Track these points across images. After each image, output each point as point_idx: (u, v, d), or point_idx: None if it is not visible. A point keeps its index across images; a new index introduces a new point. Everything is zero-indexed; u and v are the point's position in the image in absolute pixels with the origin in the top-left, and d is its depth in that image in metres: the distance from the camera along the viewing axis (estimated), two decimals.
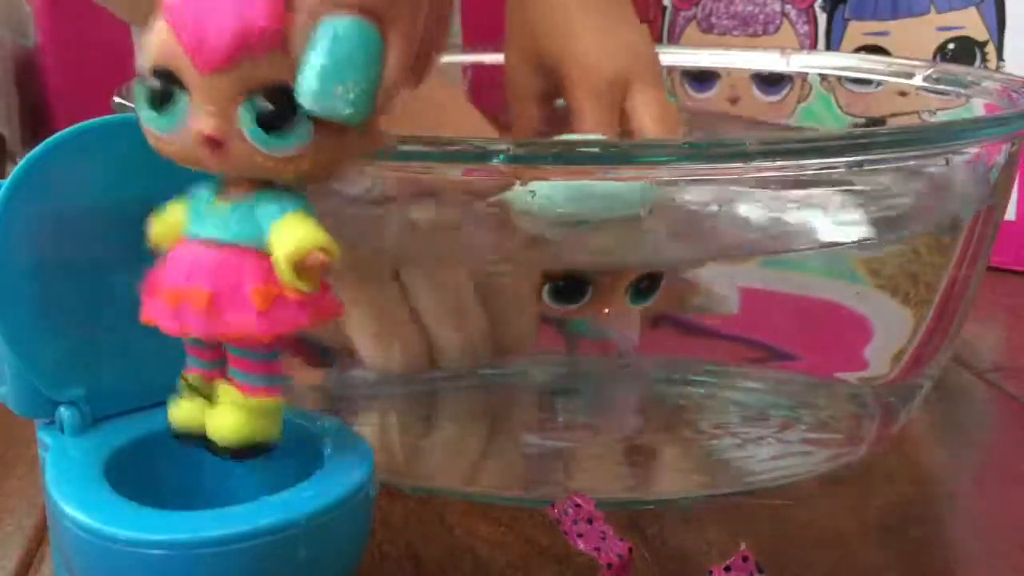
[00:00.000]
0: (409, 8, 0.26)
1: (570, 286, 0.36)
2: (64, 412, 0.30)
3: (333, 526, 0.27)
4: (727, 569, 0.28)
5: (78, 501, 0.27)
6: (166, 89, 0.26)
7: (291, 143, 0.26)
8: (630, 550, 0.29)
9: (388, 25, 0.26)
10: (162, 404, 0.31)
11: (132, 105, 0.38)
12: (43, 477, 0.32)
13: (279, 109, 0.25)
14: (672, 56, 0.62)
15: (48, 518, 0.30)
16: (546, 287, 0.36)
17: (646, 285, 0.37)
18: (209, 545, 0.26)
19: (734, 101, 0.60)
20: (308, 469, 0.29)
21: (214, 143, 0.26)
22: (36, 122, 0.70)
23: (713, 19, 0.72)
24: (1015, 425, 0.46)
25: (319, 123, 0.25)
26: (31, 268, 0.29)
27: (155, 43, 0.26)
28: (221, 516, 0.27)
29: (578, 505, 0.31)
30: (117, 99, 0.39)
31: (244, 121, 0.26)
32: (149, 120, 0.27)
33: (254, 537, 0.26)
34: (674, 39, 0.74)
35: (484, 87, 0.61)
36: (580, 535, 0.30)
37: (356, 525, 0.28)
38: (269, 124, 0.25)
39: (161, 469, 0.31)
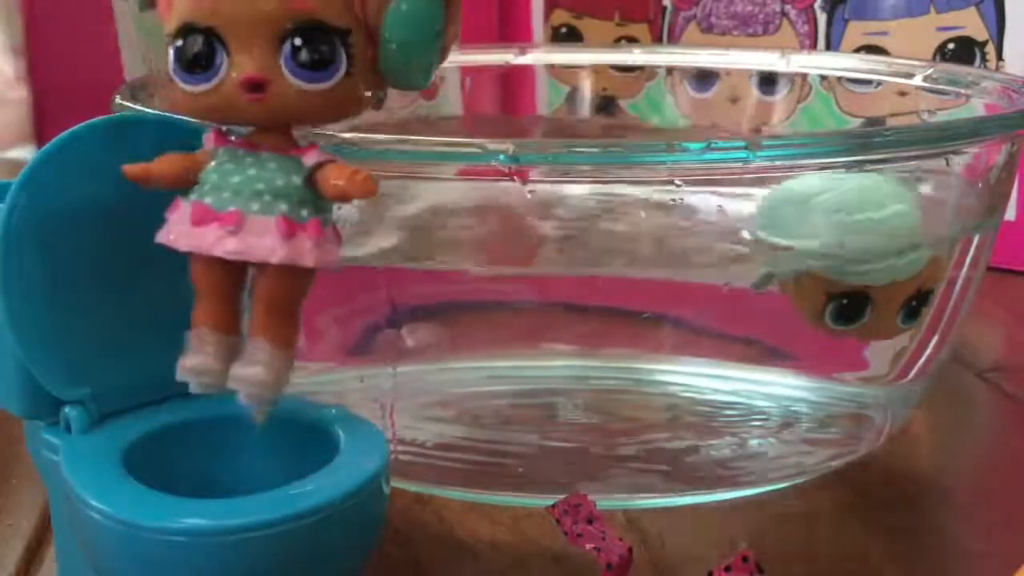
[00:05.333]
0: None
1: (853, 303, 0.35)
2: (71, 412, 0.30)
3: (355, 512, 0.28)
4: (727, 569, 0.28)
5: (104, 492, 0.28)
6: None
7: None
8: (630, 550, 0.29)
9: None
10: (169, 399, 0.32)
11: (133, 106, 0.39)
12: (45, 478, 0.32)
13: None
14: (672, 56, 0.62)
15: (57, 518, 0.30)
16: (829, 306, 0.35)
17: (917, 304, 0.36)
18: (236, 532, 0.26)
19: (734, 101, 0.60)
20: (322, 457, 0.29)
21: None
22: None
23: (713, 19, 0.72)
24: (1015, 425, 0.46)
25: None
26: (40, 268, 0.29)
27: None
28: (248, 503, 0.27)
29: (578, 505, 0.31)
30: (119, 100, 0.39)
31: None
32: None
33: (282, 523, 0.26)
34: (674, 39, 0.74)
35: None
36: (580, 535, 0.30)
37: (375, 510, 0.29)
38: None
39: (175, 461, 0.31)
